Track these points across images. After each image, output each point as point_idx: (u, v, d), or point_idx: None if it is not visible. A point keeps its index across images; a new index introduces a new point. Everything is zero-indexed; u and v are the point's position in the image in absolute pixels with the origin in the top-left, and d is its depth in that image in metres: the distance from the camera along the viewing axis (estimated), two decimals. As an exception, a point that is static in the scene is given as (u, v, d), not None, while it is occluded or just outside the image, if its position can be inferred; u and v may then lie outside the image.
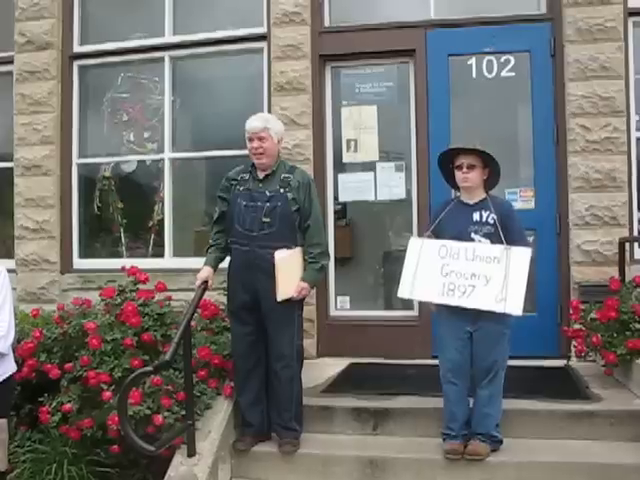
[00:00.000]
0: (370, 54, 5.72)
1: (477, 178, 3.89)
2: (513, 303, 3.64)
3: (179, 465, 3.85)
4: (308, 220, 4.13)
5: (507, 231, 3.79)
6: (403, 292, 3.97)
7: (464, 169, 3.87)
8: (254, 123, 4.12)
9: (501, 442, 3.88)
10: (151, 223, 6.26)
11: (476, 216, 3.88)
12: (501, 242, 3.75)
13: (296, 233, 4.11)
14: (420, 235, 4.18)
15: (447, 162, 4.02)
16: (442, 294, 3.82)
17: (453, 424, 3.88)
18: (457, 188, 4.07)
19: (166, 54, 6.11)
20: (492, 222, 3.82)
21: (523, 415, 4.13)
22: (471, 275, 3.76)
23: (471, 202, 3.94)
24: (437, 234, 3.97)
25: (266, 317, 4.05)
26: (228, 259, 4.21)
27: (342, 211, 5.92)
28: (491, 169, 3.93)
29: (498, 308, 3.66)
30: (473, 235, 3.85)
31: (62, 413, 4.18)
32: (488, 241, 3.81)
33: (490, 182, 3.98)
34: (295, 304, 4.09)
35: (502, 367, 3.89)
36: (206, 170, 6.27)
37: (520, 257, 3.70)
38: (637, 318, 4.41)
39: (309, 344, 5.56)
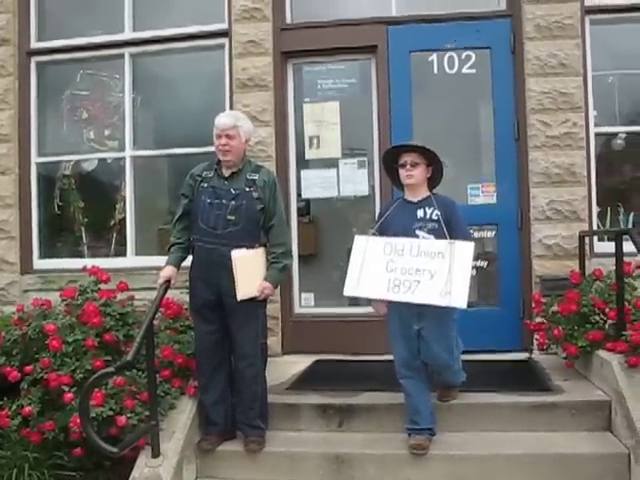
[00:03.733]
0: (332, 50, 5.71)
1: (420, 175, 3.94)
2: (458, 296, 3.67)
3: (143, 466, 3.81)
4: (272, 220, 4.11)
5: (451, 227, 3.84)
6: (348, 290, 3.98)
7: (407, 167, 3.93)
8: (224, 120, 4.09)
9: None
10: (113, 222, 6.17)
11: (420, 213, 3.93)
12: (445, 238, 3.79)
13: (260, 232, 4.10)
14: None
15: (391, 162, 4.06)
16: (387, 290, 3.84)
17: (416, 417, 3.92)
18: (402, 188, 4.11)
19: (126, 50, 6.02)
20: (436, 218, 3.87)
21: (486, 408, 4.17)
22: (416, 270, 3.79)
23: (415, 200, 3.99)
24: (383, 233, 4.00)
25: (229, 315, 4.02)
26: (190, 258, 4.17)
27: (305, 208, 5.90)
28: (435, 168, 3.99)
29: (443, 302, 3.69)
30: (418, 232, 3.89)
31: (22, 416, 4.10)
32: (432, 237, 3.86)
33: (434, 181, 4.04)
34: (258, 303, 4.07)
35: (455, 361, 4.02)
36: (168, 168, 6.20)
37: (463, 251, 3.74)
38: (597, 311, 4.47)
39: (274, 341, 5.54)
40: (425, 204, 3.94)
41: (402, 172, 3.97)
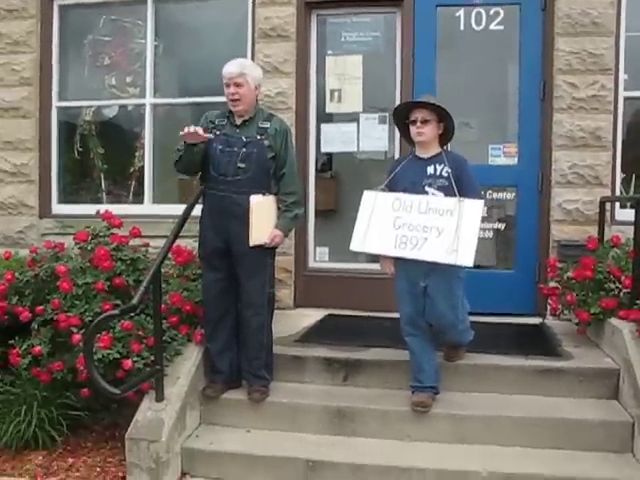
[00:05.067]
0: (357, 2, 5.59)
1: (431, 132, 3.86)
2: (464, 254, 3.62)
3: (146, 410, 3.86)
4: (283, 168, 4.09)
5: (461, 185, 3.77)
6: (355, 245, 3.96)
7: (418, 123, 3.85)
8: (230, 68, 4.04)
9: None
10: (132, 169, 6.18)
11: (430, 169, 3.86)
12: (455, 195, 3.73)
13: (270, 180, 4.08)
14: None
15: (403, 117, 3.98)
16: (394, 246, 3.81)
17: (420, 375, 3.91)
18: (413, 144, 4.03)
19: (149, -4, 5.96)
20: (446, 175, 3.80)
21: (493, 370, 4.14)
22: (423, 227, 3.74)
23: (425, 156, 3.92)
24: (392, 189, 3.94)
25: (237, 263, 4.02)
26: (200, 206, 4.16)
27: (328, 163, 5.87)
28: (446, 124, 3.90)
29: (449, 260, 3.65)
30: (427, 188, 3.83)
31: (32, 356, 4.17)
32: (442, 194, 3.79)
33: (445, 137, 3.96)
34: (267, 251, 4.07)
35: (461, 321, 3.97)
36: (189, 117, 6.14)
37: (472, 209, 3.68)
38: (612, 278, 4.40)
39: (286, 294, 5.58)
40: (435, 161, 3.86)
41: (413, 129, 3.89)
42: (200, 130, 3.89)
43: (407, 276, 3.89)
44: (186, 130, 3.86)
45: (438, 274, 3.77)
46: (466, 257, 3.62)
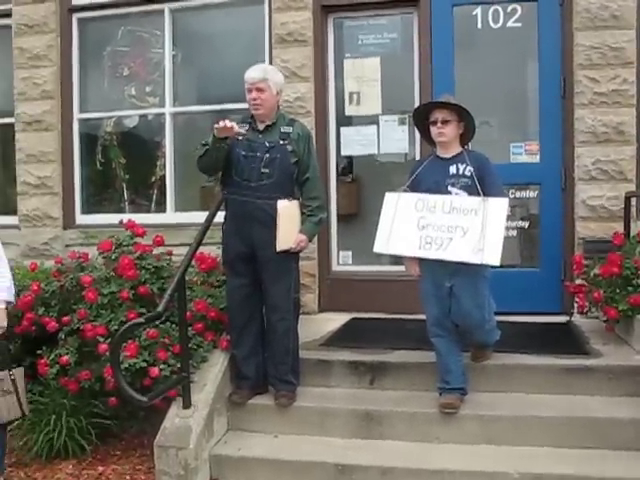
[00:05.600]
0: (373, 4, 5.57)
1: (451, 132, 3.84)
2: (491, 253, 3.61)
3: (174, 417, 3.88)
4: (307, 173, 4.10)
5: (484, 184, 3.75)
6: (378, 247, 3.96)
7: (438, 124, 3.84)
8: (253, 73, 4.06)
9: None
10: (154, 178, 6.22)
11: (453, 169, 3.84)
12: (478, 194, 3.71)
13: (293, 185, 4.10)
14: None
15: (423, 118, 3.97)
16: (419, 247, 3.80)
17: (447, 376, 3.89)
18: (434, 144, 4.01)
19: (166, 6, 5.98)
20: (469, 174, 3.78)
21: (520, 370, 4.11)
22: (448, 228, 3.73)
23: (447, 156, 3.90)
24: (414, 189, 3.93)
25: (262, 268, 4.03)
26: (222, 213, 4.18)
27: (348, 166, 5.86)
28: (466, 123, 3.88)
29: (476, 259, 3.63)
30: (450, 188, 3.82)
31: (60, 365, 4.22)
32: (465, 193, 3.78)
33: (466, 136, 3.94)
34: (292, 256, 4.08)
35: (487, 321, 3.92)
36: (209, 124, 6.17)
37: (497, 207, 3.66)
38: (640, 274, 4.34)
39: (310, 299, 5.57)
40: (458, 160, 3.84)
41: (433, 129, 3.88)
42: (235, 124, 3.90)
43: (432, 277, 3.87)
44: (221, 124, 3.85)
45: (463, 274, 3.75)
46: (493, 256, 3.59)
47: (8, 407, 3.72)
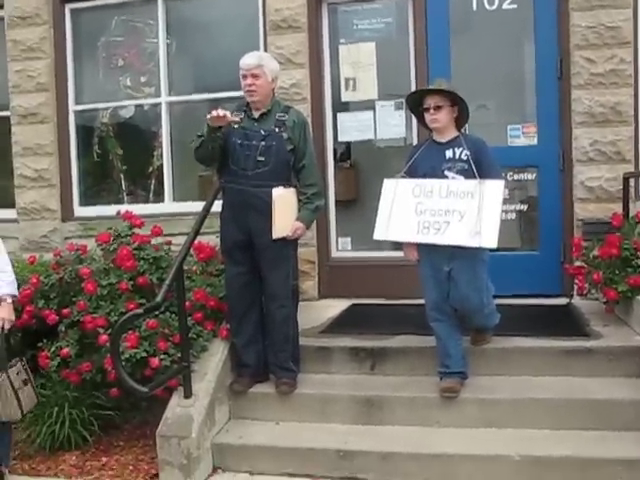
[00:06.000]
0: (368, -11, 5.54)
1: (445, 118, 3.83)
2: (488, 236, 3.61)
3: (175, 407, 3.89)
4: (303, 160, 4.09)
5: (481, 167, 3.74)
6: (378, 233, 3.97)
7: (431, 110, 3.83)
8: (248, 60, 4.04)
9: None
10: (151, 168, 6.21)
11: (449, 153, 3.83)
12: (474, 178, 3.70)
13: (290, 173, 4.08)
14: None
15: (417, 104, 3.96)
16: (417, 232, 3.81)
17: (447, 360, 3.89)
18: (430, 129, 4.00)
19: (158, -6, 5.96)
20: (465, 158, 3.78)
21: (520, 353, 4.12)
22: (445, 212, 3.73)
23: (443, 141, 3.89)
24: (412, 175, 3.93)
25: (260, 256, 4.03)
26: (220, 201, 4.17)
27: (346, 152, 5.86)
28: (460, 108, 3.86)
29: (473, 242, 3.63)
30: (447, 172, 3.81)
31: (61, 358, 4.23)
32: (462, 177, 3.77)
33: (460, 121, 3.92)
34: (289, 243, 4.08)
35: (485, 304, 3.91)
36: (205, 113, 6.13)
37: (493, 190, 3.66)
38: (639, 255, 4.32)
39: (310, 286, 5.58)
40: (454, 144, 3.83)
41: (427, 116, 3.87)
42: (228, 113, 3.88)
43: (431, 261, 3.87)
44: (214, 113, 3.83)
45: (462, 258, 3.75)
46: (490, 239, 3.60)
47: (29, 397, 3.76)
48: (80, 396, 4.28)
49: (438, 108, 3.81)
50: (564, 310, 4.96)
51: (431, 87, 3.92)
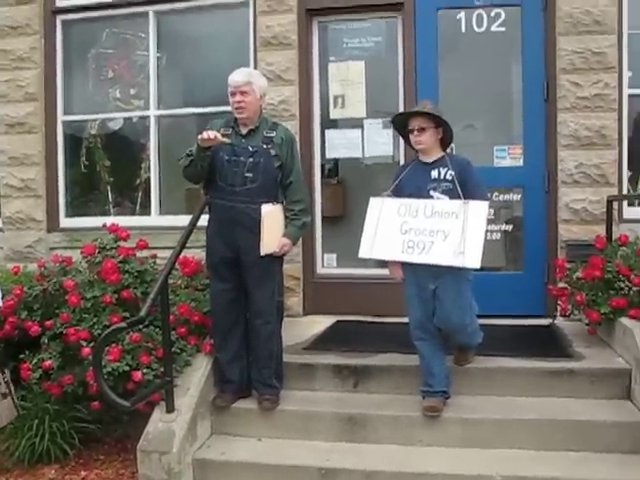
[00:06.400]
0: (358, 8, 5.57)
1: (429, 140, 3.86)
2: (471, 256, 3.63)
3: (157, 421, 3.87)
4: (290, 177, 4.11)
5: (467, 187, 3.77)
6: (363, 252, 3.98)
7: (415, 132, 3.86)
8: (237, 77, 4.06)
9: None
10: (138, 181, 6.21)
11: (434, 174, 3.86)
12: (459, 198, 3.73)
13: (277, 189, 4.10)
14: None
15: (403, 126, 3.99)
16: (402, 251, 3.83)
17: (430, 379, 3.90)
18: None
19: (150, 9, 5.98)
20: (450, 178, 3.80)
21: (503, 373, 4.12)
22: (430, 232, 3.75)
23: (429, 161, 3.91)
24: (398, 194, 3.95)
25: (246, 272, 4.03)
26: (206, 216, 4.17)
27: (334, 169, 5.88)
28: (445, 129, 3.89)
29: (457, 262, 3.65)
30: (432, 192, 3.83)
31: (43, 370, 4.19)
32: (447, 197, 3.80)
33: (446, 140, 3.94)
34: (276, 260, 4.08)
35: (469, 324, 3.92)
36: (194, 127, 6.15)
37: (477, 211, 3.68)
38: (621, 277, 4.35)
39: (295, 302, 5.58)
40: (439, 164, 3.86)
41: (411, 137, 3.90)
42: (219, 135, 3.90)
43: (416, 280, 3.88)
44: (204, 135, 3.85)
45: (447, 276, 3.77)
46: (473, 259, 3.62)
47: (8, 410, 3.72)
48: (61, 409, 4.24)
49: (422, 130, 3.83)
50: (547, 331, 4.99)
51: (415, 110, 3.94)
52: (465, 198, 3.72)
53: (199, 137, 3.89)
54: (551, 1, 5.24)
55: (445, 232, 3.70)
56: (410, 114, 3.95)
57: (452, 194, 3.77)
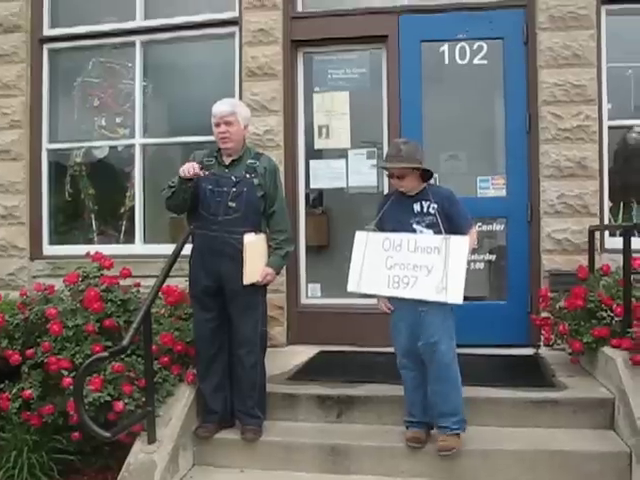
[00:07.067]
0: (343, 40, 5.66)
1: (410, 183, 3.84)
2: (453, 292, 3.63)
3: (138, 452, 3.82)
4: (273, 206, 4.12)
5: (451, 218, 3.79)
6: (351, 286, 3.96)
7: (395, 179, 3.86)
8: (222, 107, 4.09)
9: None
10: (123, 209, 6.20)
11: (417, 207, 3.85)
12: (442, 231, 3.73)
13: (260, 219, 4.10)
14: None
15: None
16: (388, 286, 3.82)
17: (414, 410, 3.88)
18: None
19: (137, 38, 6.02)
20: (433, 212, 3.80)
21: (488, 403, 4.12)
22: (413, 266, 3.75)
23: (411, 194, 3.89)
24: (382, 227, 3.94)
25: (230, 302, 4.02)
26: (190, 245, 4.17)
27: (318, 199, 5.90)
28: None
29: (439, 298, 3.66)
30: (415, 226, 3.83)
31: (23, 400, 4.13)
32: (431, 231, 3.79)
33: (426, 176, 3.89)
34: (259, 289, 4.07)
35: (448, 353, 3.82)
36: (179, 156, 6.17)
37: (459, 246, 3.68)
38: (603, 307, 4.38)
39: (279, 332, 5.56)
40: (421, 197, 3.85)
41: (392, 180, 3.90)
42: (197, 169, 3.91)
43: (405, 307, 3.83)
44: (184, 171, 3.88)
45: (434, 303, 3.75)
46: (455, 295, 3.62)
47: None
48: (40, 440, 4.17)
49: (402, 177, 3.82)
50: (531, 360, 4.99)
51: (389, 164, 3.86)
52: (451, 229, 3.73)
53: (180, 170, 3.91)
54: (532, 35, 5.34)
55: (428, 267, 3.71)
56: (387, 167, 3.90)
57: (435, 228, 3.77)
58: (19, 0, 6.05)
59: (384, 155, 5.30)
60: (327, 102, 5.75)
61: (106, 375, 3.96)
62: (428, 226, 3.81)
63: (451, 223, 3.78)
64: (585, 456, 3.72)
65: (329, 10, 5.70)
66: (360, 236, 3.98)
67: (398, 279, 3.78)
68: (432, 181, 3.96)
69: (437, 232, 3.77)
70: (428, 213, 3.81)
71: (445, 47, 5.52)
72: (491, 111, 5.59)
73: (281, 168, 5.11)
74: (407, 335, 3.86)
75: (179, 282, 4.66)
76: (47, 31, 6.19)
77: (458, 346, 3.87)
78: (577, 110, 5.23)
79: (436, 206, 3.79)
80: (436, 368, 3.78)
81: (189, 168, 3.87)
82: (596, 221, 5.21)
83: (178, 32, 5.96)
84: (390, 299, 3.93)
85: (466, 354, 4.17)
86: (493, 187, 5.46)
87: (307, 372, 4.80)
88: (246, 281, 3.96)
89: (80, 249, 5.85)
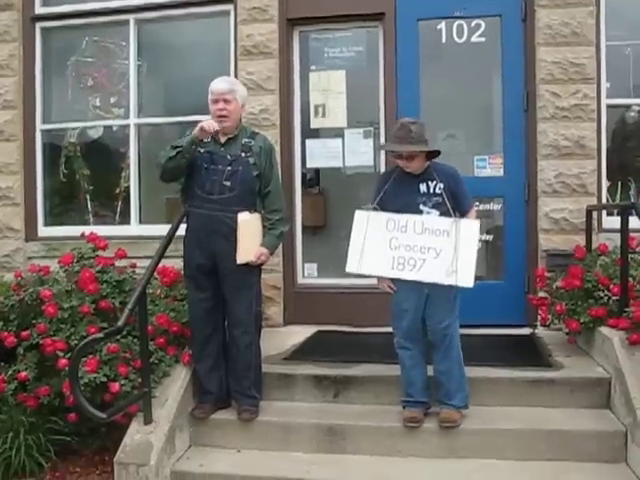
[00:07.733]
0: (339, 18, 5.58)
1: (418, 164, 3.76)
2: (464, 275, 3.62)
3: (135, 433, 3.82)
4: (269, 186, 4.09)
5: (456, 198, 3.76)
6: (351, 267, 3.90)
7: (404, 160, 3.77)
8: (221, 85, 4.05)
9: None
10: (118, 190, 6.15)
11: (423, 187, 3.79)
12: (449, 212, 3.70)
13: (255, 198, 4.07)
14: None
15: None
16: (392, 268, 3.77)
17: (411, 389, 3.87)
18: None
19: (131, 17, 5.94)
20: (439, 192, 3.75)
21: (486, 383, 4.12)
22: (420, 248, 3.72)
23: (416, 173, 3.81)
24: (383, 206, 3.86)
25: (224, 282, 4.00)
26: (184, 225, 4.14)
27: (315, 178, 5.87)
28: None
29: (449, 281, 3.65)
30: (422, 207, 3.78)
31: (18, 381, 4.12)
32: (437, 212, 3.75)
33: (431, 155, 3.83)
34: (254, 269, 4.05)
35: (455, 334, 3.86)
36: (174, 136, 6.10)
37: (469, 229, 3.68)
38: (601, 286, 4.37)
39: (276, 312, 5.55)
40: (427, 177, 3.78)
41: (399, 161, 3.80)
42: (217, 126, 3.90)
43: (410, 287, 3.79)
44: (206, 126, 3.84)
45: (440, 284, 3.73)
46: (466, 278, 3.61)
47: None
48: (37, 421, 4.16)
49: (411, 158, 3.73)
50: (527, 340, 4.99)
51: (402, 149, 3.73)
52: (453, 209, 3.70)
53: (199, 127, 3.86)
54: (530, 12, 5.28)
55: (437, 250, 3.68)
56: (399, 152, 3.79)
57: (442, 208, 3.74)
58: (10, -22, 5.97)
59: (384, 135, 5.36)
60: (323, 81, 5.70)
61: (102, 356, 3.95)
62: (434, 206, 3.77)
63: (455, 202, 3.75)
64: (582, 435, 3.72)
65: (325, -13, 5.62)
66: (360, 215, 3.91)
67: (403, 260, 3.74)
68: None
69: (443, 212, 3.73)
70: (435, 194, 3.76)
71: (442, 25, 5.46)
72: (489, 90, 5.53)
73: (277, 147, 5.09)
74: (411, 315, 3.84)
75: (174, 263, 4.62)
76: (39, 9, 6.11)
77: (455, 327, 3.87)
78: (575, 89, 5.19)
79: (442, 185, 3.75)
80: (444, 350, 3.81)
81: (212, 124, 3.84)
82: (594, 200, 5.18)
83: (173, 10, 5.88)
84: (393, 280, 3.90)
85: (463, 334, 4.13)
86: (490, 166, 5.43)
87: (304, 352, 4.79)
88: (239, 260, 3.94)
89: (75, 230, 5.81)
